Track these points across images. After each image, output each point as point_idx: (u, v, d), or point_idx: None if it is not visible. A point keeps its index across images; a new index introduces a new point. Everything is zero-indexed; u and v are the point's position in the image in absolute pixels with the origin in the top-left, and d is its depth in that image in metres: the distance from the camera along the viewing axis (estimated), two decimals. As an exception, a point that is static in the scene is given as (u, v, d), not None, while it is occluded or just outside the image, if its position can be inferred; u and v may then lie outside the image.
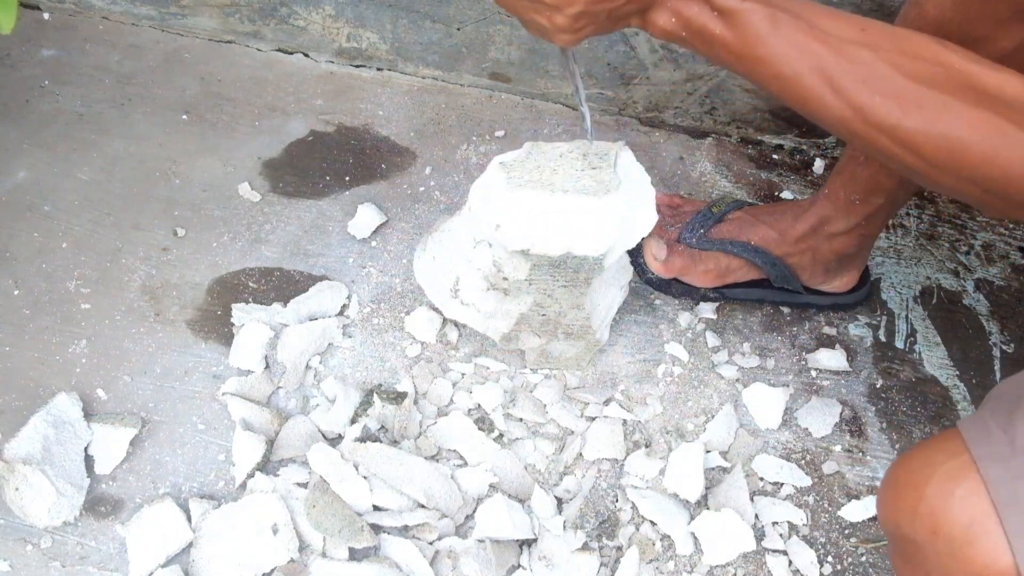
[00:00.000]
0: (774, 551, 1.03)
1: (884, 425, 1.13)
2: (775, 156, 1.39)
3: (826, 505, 1.07)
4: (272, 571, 0.97)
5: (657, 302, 1.21)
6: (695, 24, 0.74)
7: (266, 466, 1.05)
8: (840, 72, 0.69)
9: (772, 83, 0.74)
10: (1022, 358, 1.18)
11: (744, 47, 0.72)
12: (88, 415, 1.07)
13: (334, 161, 1.35)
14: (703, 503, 1.05)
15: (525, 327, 1.07)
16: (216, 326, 1.17)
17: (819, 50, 0.70)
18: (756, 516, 1.04)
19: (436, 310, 1.17)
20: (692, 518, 1.03)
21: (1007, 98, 0.66)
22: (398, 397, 1.08)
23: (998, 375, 1.18)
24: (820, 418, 1.12)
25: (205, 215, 1.28)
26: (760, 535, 1.03)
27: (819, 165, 1.37)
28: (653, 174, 1.33)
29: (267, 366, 1.13)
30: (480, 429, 1.08)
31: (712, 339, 1.18)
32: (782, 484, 1.08)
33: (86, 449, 1.05)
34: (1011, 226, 1.33)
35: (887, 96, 0.68)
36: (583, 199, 0.95)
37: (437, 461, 1.06)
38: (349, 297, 1.20)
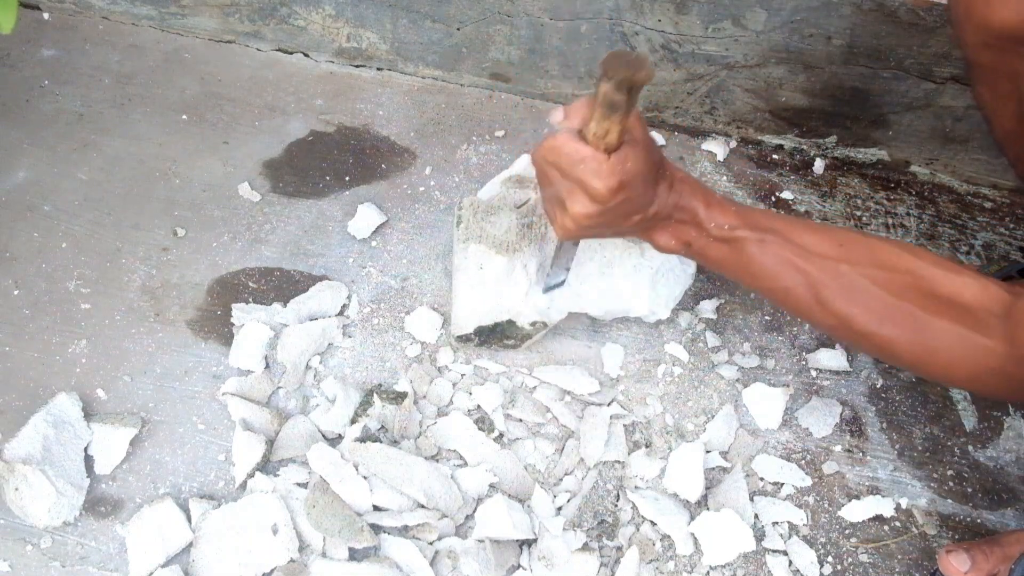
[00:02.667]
0: (774, 551, 1.03)
1: (884, 425, 1.13)
2: (775, 156, 1.39)
3: (826, 505, 1.07)
4: (272, 571, 0.97)
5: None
6: (694, 247, 0.84)
7: (266, 466, 1.05)
8: (823, 286, 0.79)
9: (768, 294, 0.84)
10: (1022, 358, 1.18)
11: (740, 266, 0.83)
12: (88, 415, 1.07)
13: (334, 161, 1.35)
14: (703, 503, 1.05)
15: None
16: (216, 326, 1.17)
17: (804, 267, 0.80)
18: (756, 516, 1.04)
19: (436, 310, 1.18)
20: (692, 518, 1.03)
21: (964, 302, 0.75)
22: (398, 397, 1.08)
23: (998, 375, 1.17)
24: (820, 418, 1.12)
25: (205, 215, 1.28)
26: (760, 535, 1.03)
27: (819, 165, 1.37)
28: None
29: (267, 366, 1.13)
30: (480, 429, 1.08)
31: (712, 339, 1.18)
32: (782, 484, 1.08)
33: (86, 449, 1.05)
34: (1011, 226, 1.32)
35: (864, 308, 0.78)
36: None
37: (437, 461, 1.06)
38: (349, 297, 1.20)
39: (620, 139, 0.77)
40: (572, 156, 0.77)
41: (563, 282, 1.10)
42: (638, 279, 1.10)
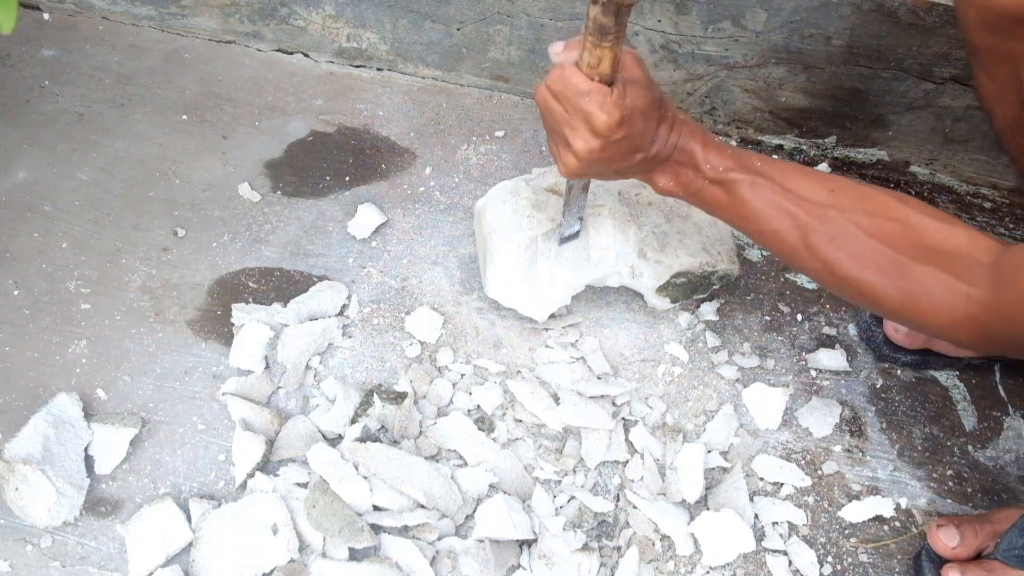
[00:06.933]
0: (774, 551, 1.03)
1: (884, 425, 1.13)
2: (775, 156, 1.39)
3: (826, 505, 1.07)
4: (272, 571, 0.97)
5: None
6: (691, 188, 0.85)
7: (266, 466, 1.05)
8: (811, 231, 0.80)
9: (757, 237, 0.85)
10: (1021, 358, 1.18)
11: (732, 208, 0.84)
12: (88, 415, 1.07)
13: (334, 161, 1.35)
14: (703, 503, 1.05)
15: None
16: (216, 326, 1.17)
17: (794, 211, 0.81)
18: (756, 516, 1.04)
19: (436, 310, 1.18)
20: (692, 518, 1.03)
21: (951, 250, 0.75)
22: (398, 397, 1.08)
23: (998, 375, 1.18)
24: (820, 418, 1.12)
25: (205, 215, 1.28)
26: (760, 535, 1.03)
27: (819, 166, 1.37)
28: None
29: (267, 366, 1.13)
30: (480, 429, 1.08)
31: (712, 339, 1.18)
32: (782, 484, 1.08)
33: (86, 449, 1.05)
34: (1011, 226, 1.33)
35: (850, 253, 0.79)
36: None
37: (437, 461, 1.06)
38: (349, 297, 1.20)
39: (613, 69, 0.77)
40: (578, 87, 0.78)
41: (577, 233, 1.09)
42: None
